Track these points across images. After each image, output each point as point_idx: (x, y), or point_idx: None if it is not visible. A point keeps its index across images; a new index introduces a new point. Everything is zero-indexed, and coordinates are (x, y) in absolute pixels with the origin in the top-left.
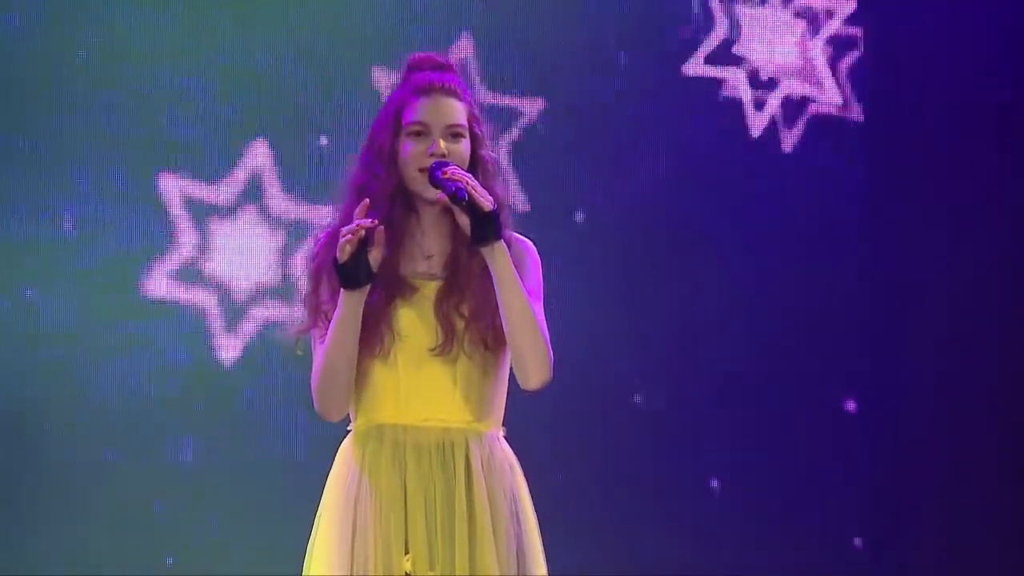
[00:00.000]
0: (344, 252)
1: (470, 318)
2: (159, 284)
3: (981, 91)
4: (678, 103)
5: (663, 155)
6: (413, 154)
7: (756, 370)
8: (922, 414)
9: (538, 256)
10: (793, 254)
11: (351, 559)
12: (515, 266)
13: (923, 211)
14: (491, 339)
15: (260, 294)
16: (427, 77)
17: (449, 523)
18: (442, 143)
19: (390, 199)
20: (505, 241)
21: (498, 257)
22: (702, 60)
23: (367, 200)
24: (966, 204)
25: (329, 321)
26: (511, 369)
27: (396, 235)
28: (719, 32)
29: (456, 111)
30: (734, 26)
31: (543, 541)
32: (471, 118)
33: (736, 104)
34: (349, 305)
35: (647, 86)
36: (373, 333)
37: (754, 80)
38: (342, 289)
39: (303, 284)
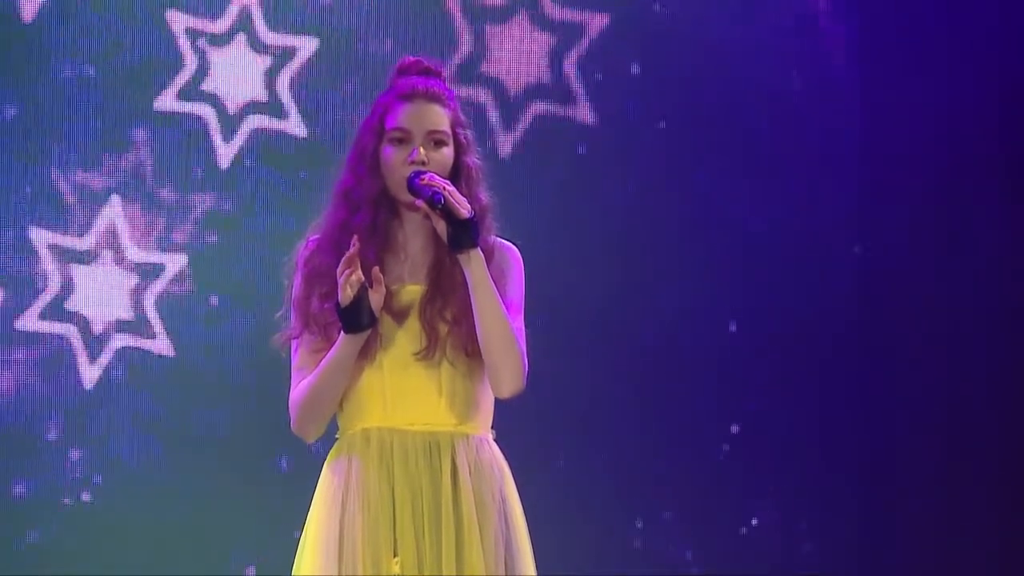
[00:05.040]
0: (345, 295)
1: (453, 323)
2: None
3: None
4: None
5: None
6: (394, 161)
7: (757, 370)
8: (918, 418)
9: (521, 263)
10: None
11: (339, 562)
12: (497, 272)
13: (917, 209)
14: (472, 344)
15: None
16: (411, 83)
17: (436, 525)
18: (422, 150)
19: (374, 204)
20: (488, 247)
21: (474, 265)
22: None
23: (357, 241)
24: (960, 206)
25: (317, 329)
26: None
27: (380, 239)
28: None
29: (439, 117)
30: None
31: (533, 543)
32: (455, 124)
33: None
34: (348, 348)
35: None
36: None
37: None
38: (343, 333)
39: (291, 289)
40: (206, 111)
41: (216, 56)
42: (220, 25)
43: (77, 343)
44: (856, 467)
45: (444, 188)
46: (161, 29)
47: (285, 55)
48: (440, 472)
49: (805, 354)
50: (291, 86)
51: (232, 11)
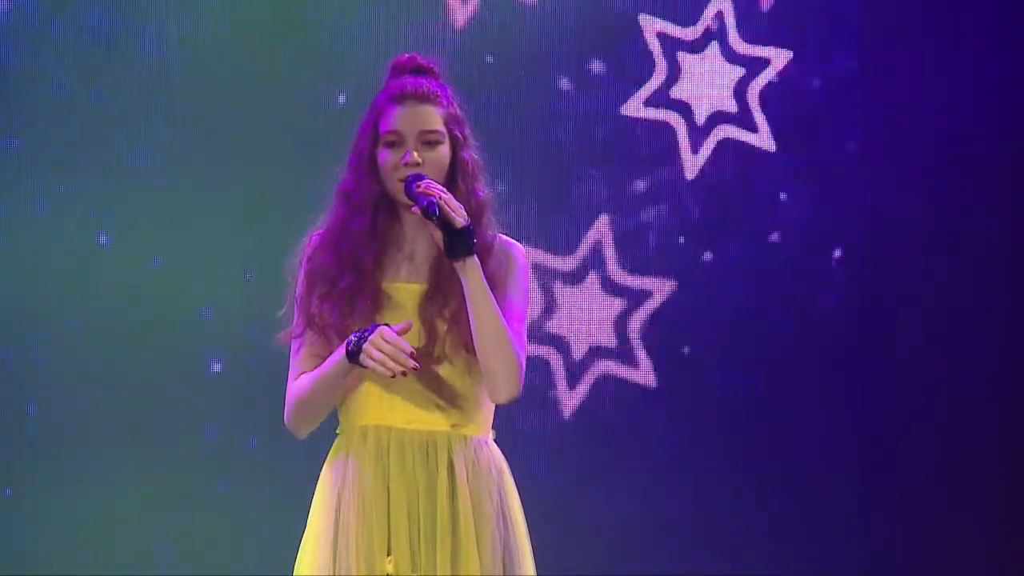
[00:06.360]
0: (372, 359)
1: (452, 322)
2: None
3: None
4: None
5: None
6: (389, 164)
7: (757, 370)
8: (918, 418)
9: (525, 260)
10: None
11: (334, 561)
12: (497, 270)
13: (917, 209)
14: (472, 344)
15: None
16: (401, 84)
17: (431, 525)
18: (415, 154)
19: (373, 206)
20: (487, 244)
21: (470, 273)
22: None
23: (410, 322)
24: (960, 206)
25: (317, 329)
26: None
27: (380, 241)
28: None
29: (431, 117)
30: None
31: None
32: (450, 121)
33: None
34: (347, 371)
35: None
36: None
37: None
38: (347, 357)
39: (293, 286)
40: (674, 119)
41: (688, 63)
42: (693, 32)
43: (557, 367)
44: (856, 467)
45: (440, 196)
46: (634, 32)
47: (758, 66)
48: (437, 472)
49: (805, 354)
50: (761, 98)
51: (706, 19)
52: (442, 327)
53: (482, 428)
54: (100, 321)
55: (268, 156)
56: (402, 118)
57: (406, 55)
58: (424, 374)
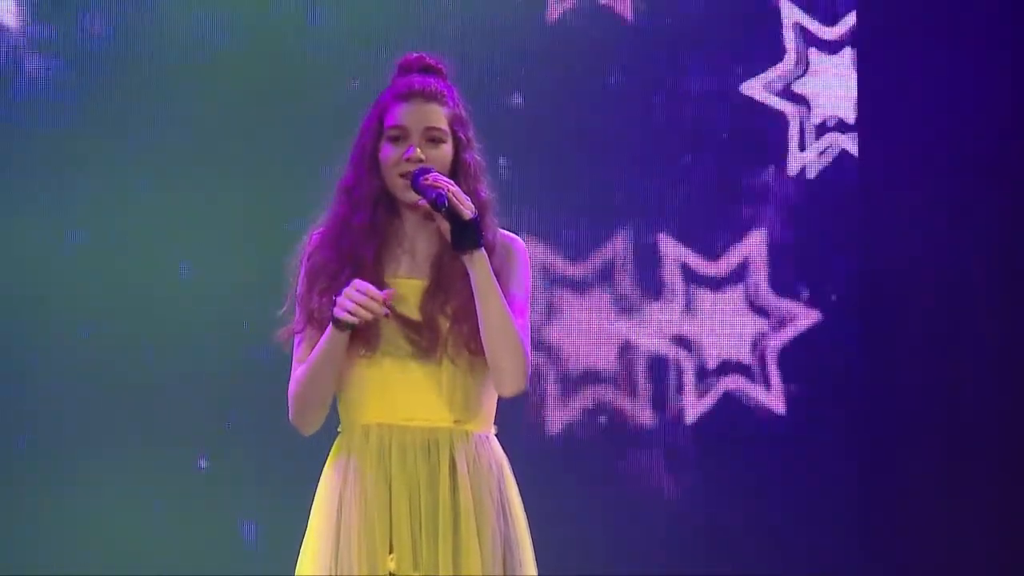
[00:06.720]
0: (346, 311)
1: (454, 319)
2: None
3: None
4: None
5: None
6: (391, 159)
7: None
8: (918, 418)
9: (526, 253)
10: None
11: (335, 559)
12: (501, 267)
13: (917, 209)
14: (474, 342)
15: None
16: (409, 81)
17: (433, 523)
18: (418, 150)
19: (374, 202)
20: (491, 242)
21: (478, 265)
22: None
23: (394, 291)
24: (963, 202)
25: (318, 325)
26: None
27: (380, 237)
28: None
29: (436, 115)
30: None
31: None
32: (455, 121)
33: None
34: (337, 343)
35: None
36: (359, 335)
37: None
38: (333, 328)
39: (294, 284)
40: (792, 111)
41: (820, 62)
42: (833, 32)
43: (687, 372)
44: (856, 467)
45: (448, 189)
46: (771, 16)
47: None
48: (438, 469)
49: (805, 354)
50: None
51: (847, 22)
52: (444, 324)
53: (484, 424)
54: (98, 321)
55: (270, 159)
56: (408, 114)
57: (414, 54)
58: (426, 371)
